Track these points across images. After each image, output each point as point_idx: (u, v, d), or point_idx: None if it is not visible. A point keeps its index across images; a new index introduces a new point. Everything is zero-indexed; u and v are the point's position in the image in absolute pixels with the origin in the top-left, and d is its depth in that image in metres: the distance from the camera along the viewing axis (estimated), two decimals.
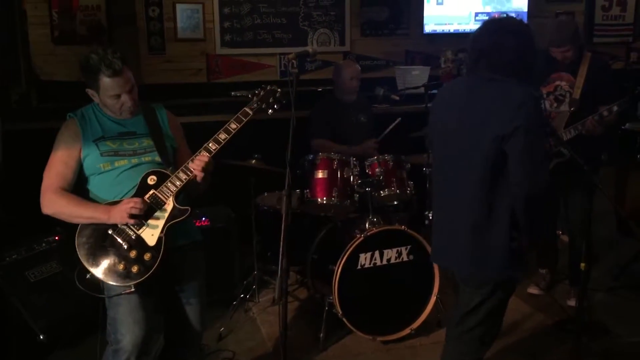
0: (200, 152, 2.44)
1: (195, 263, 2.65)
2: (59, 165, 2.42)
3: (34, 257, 3.39)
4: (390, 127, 4.23)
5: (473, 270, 2.49)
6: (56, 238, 3.49)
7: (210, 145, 2.45)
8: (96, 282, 2.39)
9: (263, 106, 2.56)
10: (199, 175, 2.42)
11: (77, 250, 2.37)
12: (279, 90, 2.58)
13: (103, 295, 2.44)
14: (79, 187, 2.46)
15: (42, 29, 5.12)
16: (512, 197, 2.34)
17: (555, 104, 3.74)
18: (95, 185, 2.46)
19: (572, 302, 3.90)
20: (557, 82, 3.73)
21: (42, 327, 3.19)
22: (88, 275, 2.36)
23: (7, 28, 4.68)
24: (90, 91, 2.46)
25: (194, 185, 2.47)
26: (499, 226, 2.36)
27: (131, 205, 2.32)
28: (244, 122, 2.50)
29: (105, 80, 2.37)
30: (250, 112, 2.52)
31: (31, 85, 4.87)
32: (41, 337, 3.16)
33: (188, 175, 2.42)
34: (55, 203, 2.38)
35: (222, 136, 2.46)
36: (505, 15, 2.49)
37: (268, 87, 2.59)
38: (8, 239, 3.48)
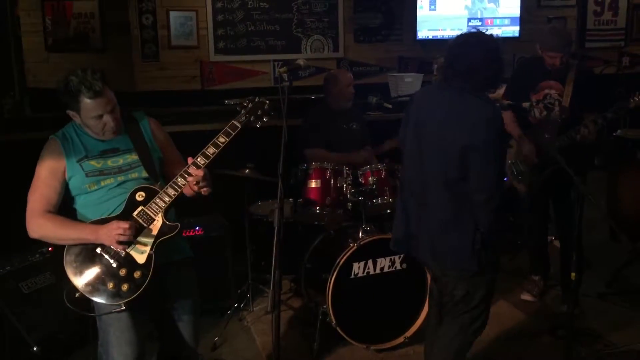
0: (188, 167, 2.41)
1: (188, 280, 2.65)
2: (43, 188, 2.39)
3: (27, 269, 3.37)
4: (388, 146, 4.29)
5: (440, 265, 2.75)
6: (49, 249, 3.47)
7: (198, 159, 2.42)
8: (86, 300, 2.38)
9: (252, 119, 2.53)
10: (193, 190, 2.41)
11: (65, 269, 2.35)
12: (267, 102, 2.54)
13: (93, 314, 2.43)
14: (65, 206, 2.45)
15: (36, 36, 5.12)
16: (472, 202, 2.53)
17: (544, 112, 3.76)
18: (82, 205, 2.45)
19: (564, 308, 3.92)
20: (547, 90, 3.76)
21: (36, 339, 3.17)
22: (77, 294, 2.35)
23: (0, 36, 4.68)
24: (71, 112, 2.42)
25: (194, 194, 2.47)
26: (463, 226, 2.57)
27: (119, 232, 2.29)
28: (232, 136, 2.47)
29: (86, 102, 2.34)
30: (239, 125, 2.48)
31: (24, 94, 4.87)
32: (35, 349, 3.15)
33: (177, 190, 2.41)
34: (41, 227, 2.37)
35: (211, 150, 2.44)
36: (476, 30, 2.66)
37: (256, 99, 2.55)
38: (1, 250, 3.48)
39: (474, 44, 2.55)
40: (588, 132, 3.57)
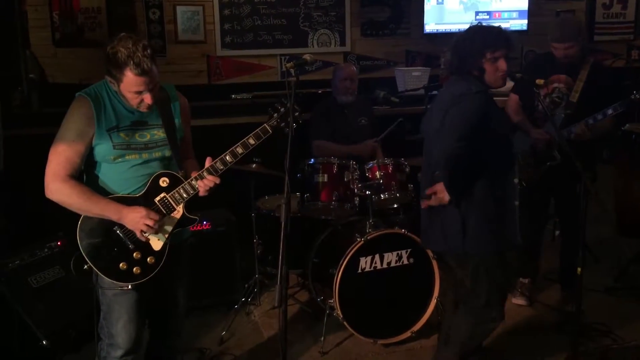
0: (215, 163, 2.41)
1: (185, 258, 2.65)
2: (68, 151, 2.30)
3: (36, 263, 3.38)
4: (391, 127, 4.25)
5: (441, 248, 2.94)
6: (58, 243, 3.49)
7: (227, 157, 2.43)
8: (92, 272, 2.38)
9: (282, 125, 2.50)
10: (203, 194, 2.43)
11: (78, 238, 2.33)
12: (299, 109, 2.50)
13: (99, 287, 2.43)
14: (86, 169, 2.41)
15: (43, 31, 5.13)
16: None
17: (551, 106, 3.71)
18: (104, 174, 2.40)
19: (571, 307, 3.86)
20: (555, 84, 3.71)
21: (45, 333, 3.20)
22: (86, 266, 2.34)
23: (7, 31, 4.68)
24: (110, 79, 2.33)
25: None
26: (447, 207, 2.75)
27: (148, 222, 2.30)
28: (262, 139, 2.46)
29: (130, 77, 2.25)
30: (270, 131, 2.47)
31: (32, 89, 4.88)
32: (44, 343, 3.18)
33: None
34: (61, 193, 2.30)
35: (240, 150, 2.44)
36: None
37: (289, 105, 2.49)
38: (10, 245, 3.49)
39: (459, 37, 2.80)
40: (582, 129, 3.51)
